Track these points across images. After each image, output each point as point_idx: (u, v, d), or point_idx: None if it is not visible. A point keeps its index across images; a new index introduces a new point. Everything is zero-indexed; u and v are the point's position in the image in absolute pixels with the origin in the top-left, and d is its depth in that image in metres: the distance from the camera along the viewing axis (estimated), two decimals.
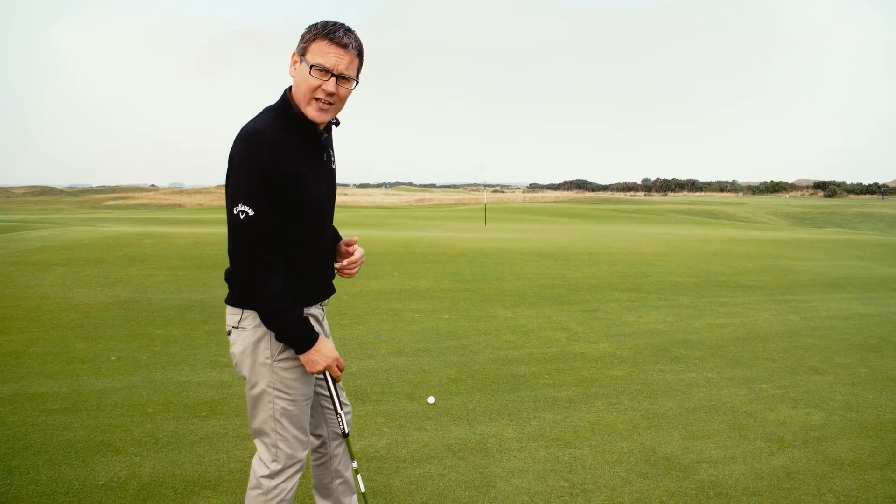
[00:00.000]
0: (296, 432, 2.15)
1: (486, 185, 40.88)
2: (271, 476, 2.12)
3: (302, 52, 1.99)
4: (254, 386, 2.10)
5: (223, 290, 2.15)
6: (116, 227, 17.14)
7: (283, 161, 1.96)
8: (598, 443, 3.71)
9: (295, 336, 2.02)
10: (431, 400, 4.32)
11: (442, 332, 6.20)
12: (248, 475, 3.14)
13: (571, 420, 4.05)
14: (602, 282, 9.32)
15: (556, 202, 74.29)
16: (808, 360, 5.61)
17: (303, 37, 2.00)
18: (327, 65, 1.96)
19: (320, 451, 2.42)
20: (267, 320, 2.02)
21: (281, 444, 2.12)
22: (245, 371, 2.11)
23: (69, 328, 5.87)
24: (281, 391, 2.09)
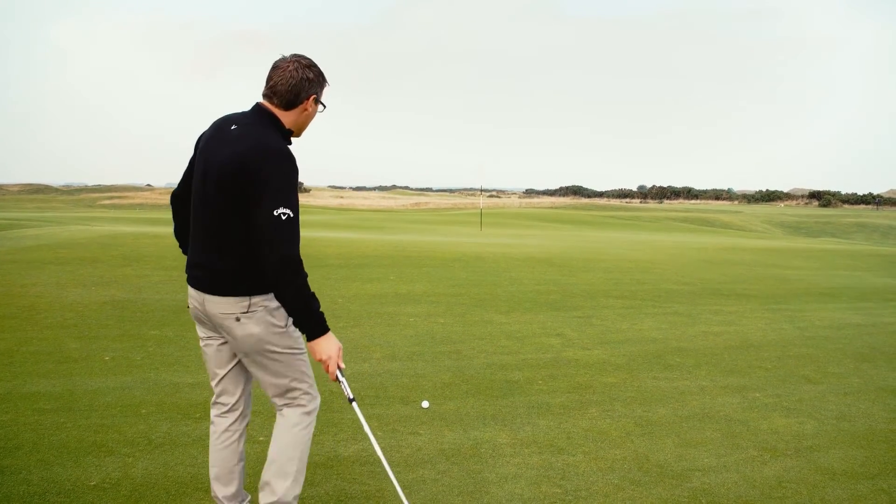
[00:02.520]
0: (313, 377, 2.62)
1: (482, 190, 40.88)
2: (311, 413, 2.56)
3: (319, 96, 2.49)
4: (277, 354, 2.45)
5: None
6: (112, 227, 17.09)
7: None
8: (592, 449, 3.72)
9: (316, 321, 2.36)
10: (425, 404, 4.30)
11: (437, 336, 6.20)
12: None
13: (565, 426, 4.06)
14: (597, 288, 9.34)
15: (552, 208, 74.46)
16: (802, 369, 5.63)
17: (321, 83, 2.47)
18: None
19: (233, 428, 2.62)
20: (297, 303, 2.31)
21: (311, 390, 2.57)
22: (265, 346, 2.41)
23: (63, 327, 5.85)
24: (299, 349, 2.52)
